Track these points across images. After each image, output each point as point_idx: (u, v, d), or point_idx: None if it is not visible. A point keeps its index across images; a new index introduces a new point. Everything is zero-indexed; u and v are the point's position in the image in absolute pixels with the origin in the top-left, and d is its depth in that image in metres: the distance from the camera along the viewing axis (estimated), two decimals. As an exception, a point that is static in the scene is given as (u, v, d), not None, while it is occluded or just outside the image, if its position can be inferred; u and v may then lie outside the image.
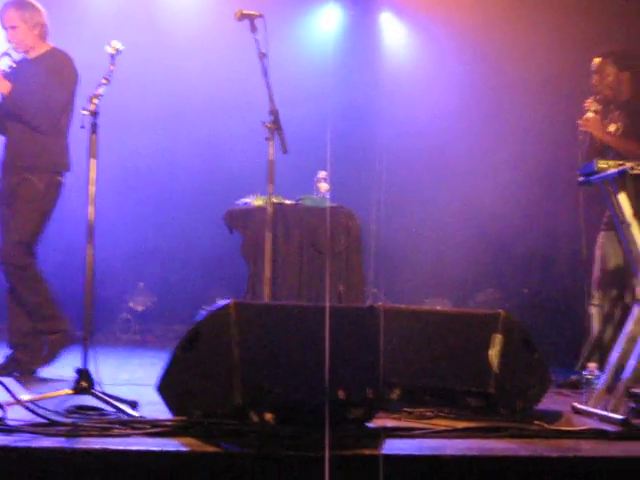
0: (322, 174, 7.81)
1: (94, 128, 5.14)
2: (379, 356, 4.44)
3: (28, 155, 6.25)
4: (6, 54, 6.33)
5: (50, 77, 6.20)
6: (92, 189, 5.15)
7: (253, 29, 5.90)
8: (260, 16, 5.90)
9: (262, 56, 5.81)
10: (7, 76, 6.24)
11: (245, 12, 5.94)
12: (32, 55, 6.38)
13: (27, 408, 4.44)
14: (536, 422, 4.71)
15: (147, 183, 10.18)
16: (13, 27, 6.29)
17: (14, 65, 6.36)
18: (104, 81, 5.28)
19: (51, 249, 9.68)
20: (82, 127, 5.12)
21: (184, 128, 10.25)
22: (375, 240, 10.43)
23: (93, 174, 5.15)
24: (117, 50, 5.39)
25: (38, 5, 6.44)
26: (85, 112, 5.13)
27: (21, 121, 6.22)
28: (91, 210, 5.14)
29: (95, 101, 5.16)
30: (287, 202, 7.65)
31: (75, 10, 9.95)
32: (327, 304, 4.25)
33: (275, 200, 6.54)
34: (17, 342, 6.42)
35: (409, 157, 10.53)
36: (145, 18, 10.00)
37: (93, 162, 5.15)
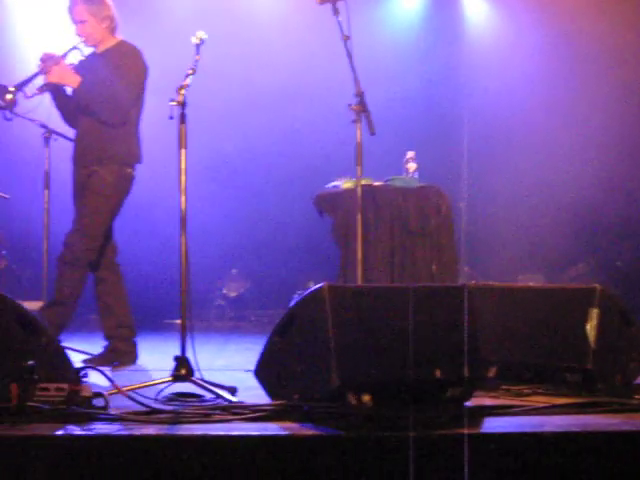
0: (410, 154, 7.78)
1: (183, 118, 5.19)
2: (475, 334, 4.42)
3: (97, 148, 6.27)
4: (75, 48, 6.37)
5: (118, 70, 6.21)
6: (183, 179, 5.21)
7: (335, 12, 5.86)
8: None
9: (346, 39, 5.78)
10: (76, 70, 6.27)
11: (327, -4, 5.91)
12: (101, 49, 6.40)
13: (128, 396, 4.52)
14: (636, 397, 4.65)
15: (236, 171, 10.25)
16: (82, 21, 6.29)
17: (83, 59, 6.41)
18: (190, 71, 5.32)
19: (145, 239, 9.91)
20: (171, 118, 5.16)
21: (269, 115, 10.28)
22: (465, 218, 10.38)
23: (184, 164, 5.21)
24: (201, 40, 5.43)
25: None
26: (173, 103, 5.17)
27: (90, 114, 6.23)
28: (183, 200, 5.20)
29: (182, 92, 5.21)
30: (376, 183, 7.63)
31: (155, 1, 10.05)
32: (420, 284, 4.24)
33: (364, 182, 6.52)
34: (112, 333, 6.48)
35: (495, 132, 10.45)
36: (224, 6, 10.04)
37: (183, 152, 5.20)
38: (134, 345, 6.55)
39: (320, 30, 6.66)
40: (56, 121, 6.89)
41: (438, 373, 4.26)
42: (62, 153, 7.09)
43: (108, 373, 4.70)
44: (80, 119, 6.34)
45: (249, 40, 10.07)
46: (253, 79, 10.17)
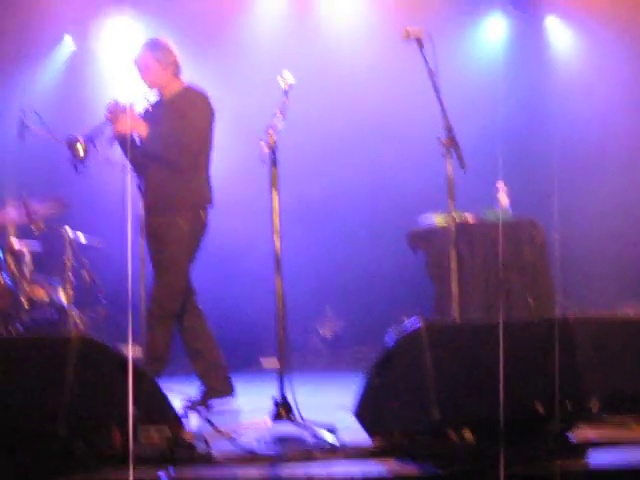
0: (501, 185, 7.72)
1: (274, 161, 5.23)
2: (575, 367, 4.36)
3: (170, 195, 6.21)
4: (141, 95, 6.40)
5: (186, 116, 6.19)
6: (276, 220, 5.25)
7: (420, 47, 5.85)
8: (427, 33, 5.86)
9: (432, 73, 5.77)
10: (144, 118, 6.28)
11: (411, 31, 5.90)
12: (166, 95, 6.42)
13: (229, 438, 4.54)
14: None
15: (328, 210, 10.26)
16: (148, 68, 6.33)
17: (150, 106, 6.42)
18: (280, 115, 5.37)
19: (240, 281, 9.98)
20: (262, 161, 5.21)
21: (358, 152, 10.28)
22: (560, 248, 10.25)
23: (276, 205, 5.25)
24: (289, 84, 5.48)
25: (170, 44, 6.46)
26: (263, 143, 5.22)
27: (159, 161, 6.21)
28: (277, 241, 5.24)
29: (272, 132, 5.26)
30: (469, 217, 7.59)
31: (242, 44, 10.17)
32: (517, 318, 4.19)
33: (457, 217, 6.49)
34: (206, 375, 6.49)
35: (585, 160, 10.30)
36: (308, 45, 10.12)
37: (275, 194, 5.24)
38: (229, 380, 6.55)
39: (406, 65, 6.65)
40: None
41: (539, 407, 4.20)
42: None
43: (208, 415, 4.73)
44: (149, 167, 6.31)
45: (335, 78, 10.10)
46: (340, 117, 10.19)
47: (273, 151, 5.23)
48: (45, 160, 8.51)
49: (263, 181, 5.40)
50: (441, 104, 5.69)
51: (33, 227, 7.79)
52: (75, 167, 6.02)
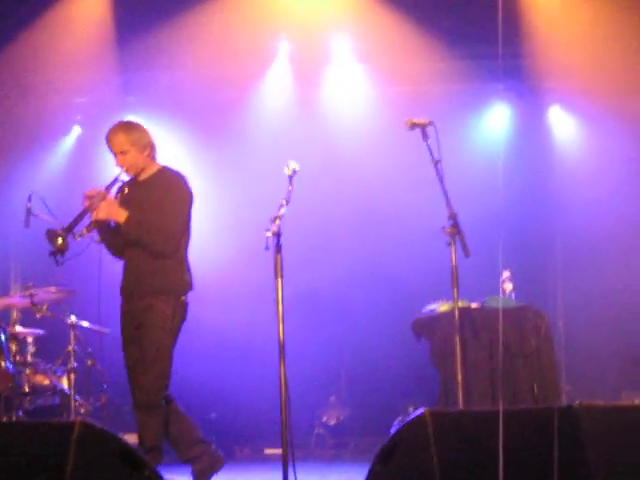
0: (506, 274, 7.73)
1: (278, 248, 5.24)
2: (584, 458, 4.29)
3: (151, 279, 6.05)
4: (117, 180, 6.20)
5: (163, 198, 6.05)
6: (280, 308, 5.24)
7: (425, 137, 5.91)
8: (431, 124, 5.92)
9: (436, 162, 5.81)
10: (120, 202, 6.13)
11: (415, 121, 5.96)
12: (143, 177, 6.25)
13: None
14: None
15: (331, 298, 10.26)
16: (123, 152, 6.11)
17: (125, 188, 6.24)
18: (284, 202, 5.41)
19: (243, 369, 9.94)
20: (266, 248, 5.21)
21: (362, 240, 10.32)
22: (564, 336, 10.22)
23: (280, 293, 5.25)
24: (294, 171, 5.53)
25: (144, 126, 6.33)
26: (269, 233, 5.24)
27: (141, 247, 6.04)
28: (281, 329, 5.22)
29: (277, 222, 5.28)
30: (473, 305, 7.58)
31: (247, 133, 10.26)
32: (524, 407, 4.15)
33: (461, 304, 6.48)
34: (190, 455, 6.30)
35: (588, 250, 10.32)
36: (313, 134, 10.20)
37: (279, 282, 5.25)
38: (215, 451, 6.37)
39: (411, 154, 6.72)
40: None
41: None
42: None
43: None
44: (129, 251, 6.15)
45: (339, 166, 10.17)
46: (344, 205, 10.26)
47: (278, 237, 5.25)
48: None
49: (268, 269, 5.40)
50: (445, 193, 5.73)
51: (37, 313, 7.78)
52: (56, 260, 5.88)
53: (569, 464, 4.22)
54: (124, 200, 6.15)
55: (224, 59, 9.73)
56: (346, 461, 9.21)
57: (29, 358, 8.10)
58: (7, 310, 8.64)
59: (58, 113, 9.98)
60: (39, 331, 8.27)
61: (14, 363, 7.45)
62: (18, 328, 8.06)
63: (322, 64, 10.46)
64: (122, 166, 6.14)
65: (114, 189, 6.23)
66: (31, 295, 7.70)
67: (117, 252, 6.26)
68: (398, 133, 6.82)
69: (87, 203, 5.99)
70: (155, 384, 6.00)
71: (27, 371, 7.93)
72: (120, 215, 5.99)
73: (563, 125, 10.96)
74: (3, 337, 7.24)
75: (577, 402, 4.62)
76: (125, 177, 6.25)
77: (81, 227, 6.00)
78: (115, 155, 6.16)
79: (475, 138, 10.56)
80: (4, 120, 9.66)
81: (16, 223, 8.29)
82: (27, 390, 7.87)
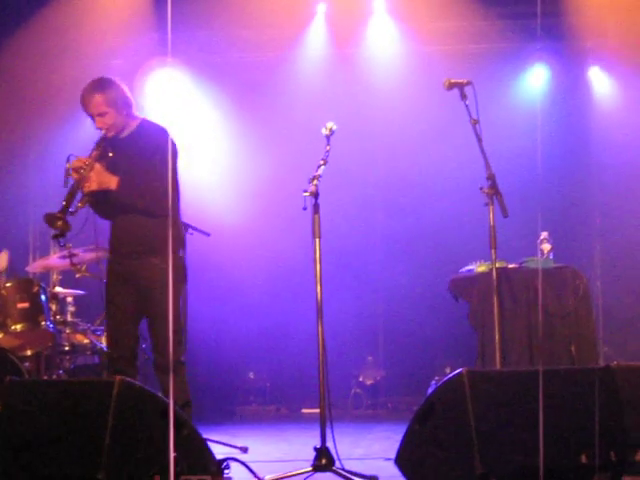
0: (544, 235, 7.68)
1: (316, 208, 5.24)
2: (621, 417, 4.29)
3: (149, 238, 5.81)
4: (99, 142, 5.85)
5: (152, 156, 5.77)
6: (318, 268, 5.24)
7: (463, 97, 5.86)
8: (469, 83, 5.87)
9: (474, 123, 5.76)
10: (107, 167, 5.81)
11: (453, 81, 5.91)
12: (125, 134, 5.96)
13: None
14: None
15: (369, 258, 10.27)
16: (101, 114, 5.82)
17: (109, 150, 5.86)
18: (322, 162, 5.40)
19: (281, 330, 9.99)
20: (304, 209, 5.20)
21: (401, 202, 10.31)
22: (602, 296, 10.17)
23: (318, 254, 5.25)
24: (332, 131, 5.51)
25: (117, 79, 6.00)
26: (306, 194, 5.23)
27: (135, 210, 5.83)
28: (319, 289, 5.23)
29: (315, 182, 5.27)
30: (511, 266, 7.55)
31: (284, 94, 10.24)
32: (562, 367, 4.14)
33: (499, 265, 6.46)
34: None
35: (626, 209, 10.24)
36: (351, 94, 10.16)
37: (317, 242, 5.25)
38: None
39: (449, 114, 6.69)
40: (190, 216, 6.99)
41: (584, 458, 4.14)
42: (197, 247, 7.21)
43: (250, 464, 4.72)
44: (121, 213, 5.91)
45: (377, 127, 10.14)
46: (383, 166, 10.25)
47: (315, 198, 5.24)
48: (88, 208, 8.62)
49: (306, 230, 5.40)
50: (483, 153, 5.68)
51: (76, 273, 7.84)
52: (58, 242, 5.79)
53: (607, 424, 4.22)
54: (110, 164, 5.84)
55: (262, 20, 9.70)
56: (382, 421, 9.25)
57: (69, 318, 8.17)
58: (47, 271, 8.70)
59: (94, 76, 10.00)
60: (79, 291, 8.34)
61: (54, 323, 7.52)
62: (58, 289, 8.13)
63: (359, 24, 10.39)
64: (102, 128, 5.86)
65: (98, 154, 5.86)
66: (70, 256, 7.74)
67: (108, 215, 6.01)
68: (436, 93, 6.78)
69: (76, 176, 5.72)
70: (175, 343, 5.84)
71: (67, 330, 8.01)
72: (111, 182, 5.75)
73: (602, 86, 10.84)
74: (43, 297, 7.31)
75: (615, 363, 4.62)
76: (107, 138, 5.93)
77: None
78: (92, 117, 5.89)
79: (513, 98, 10.46)
80: (45, 82, 9.69)
81: (55, 185, 8.36)
82: (67, 349, 7.95)
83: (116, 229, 5.97)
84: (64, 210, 5.66)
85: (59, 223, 5.63)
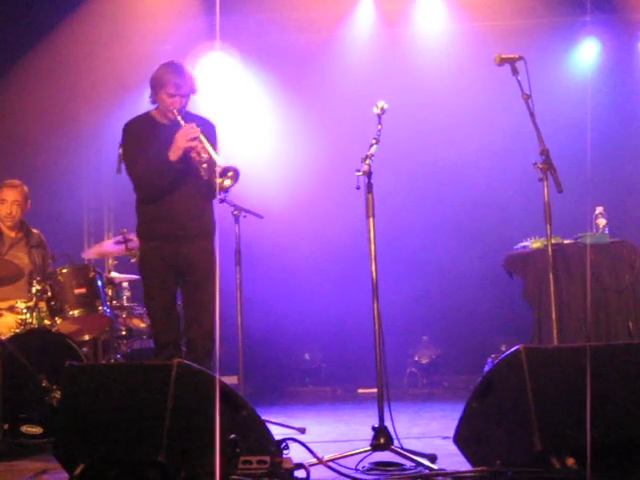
0: (599, 210, 7.63)
1: (370, 188, 5.23)
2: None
3: (206, 222, 5.93)
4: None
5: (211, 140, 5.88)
6: (373, 248, 5.23)
7: (514, 72, 5.80)
8: (521, 58, 5.81)
9: (527, 98, 5.70)
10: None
11: (504, 56, 5.85)
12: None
13: (330, 467, 4.53)
14: None
15: (424, 237, 10.23)
16: (187, 95, 5.97)
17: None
18: (374, 141, 5.38)
19: (337, 309, 10.00)
20: (357, 188, 5.19)
21: (455, 179, 10.27)
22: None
23: (372, 233, 5.24)
24: (383, 109, 5.48)
25: None
26: (359, 173, 5.22)
27: (207, 190, 5.89)
28: (374, 268, 5.22)
29: (368, 162, 5.25)
30: (566, 242, 7.51)
31: (334, 75, 10.23)
32: (619, 342, 4.10)
33: (554, 241, 6.41)
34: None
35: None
36: (403, 73, 10.13)
37: (371, 222, 5.24)
38: None
39: (501, 90, 6.63)
40: (243, 198, 7.03)
41: (642, 433, 4.11)
42: (251, 229, 7.24)
43: (308, 444, 4.73)
44: (180, 190, 5.90)
45: (430, 105, 10.10)
46: (435, 144, 10.20)
47: (369, 177, 5.23)
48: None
49: (360, 210, 5.39)
50: (537, 128, 5.63)
51: (131, 258, 7.91)
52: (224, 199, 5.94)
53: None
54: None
55: (309, 1, 9.70)
56: (439, 400, 9.25)
57: (125, 302, 8.25)
58: (102, 257, 8.79)
59: (145, 61, 10.04)
60: (134, 276, 8.40)
61: (111, 308, 7.60)
62: (113, 274, 8.21)
63: (407, 2, 10.36)
64: (173, 109, 5.89)
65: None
66: (125, 241, 7.81)
67: (166, 192, 5.91)
68: (486, 69, 6.73)
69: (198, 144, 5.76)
70: (215, 327, 5.85)
71: (123, 315, 8.09)
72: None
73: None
74: (99, 283, 7.38)
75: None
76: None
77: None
78: (186, 96, 5.96)
79: (564, 73, 10.38)
80: (96, 68, 9.77)
81: (108, 171, 8.42)
82: (124, 333, 8.04)
83: (166, 210, 5.92)
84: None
85: (231, 173, 5.66)
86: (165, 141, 5.81)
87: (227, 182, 5.67)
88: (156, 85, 5.97)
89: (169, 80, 5.90)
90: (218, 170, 5.65)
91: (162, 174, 5.81)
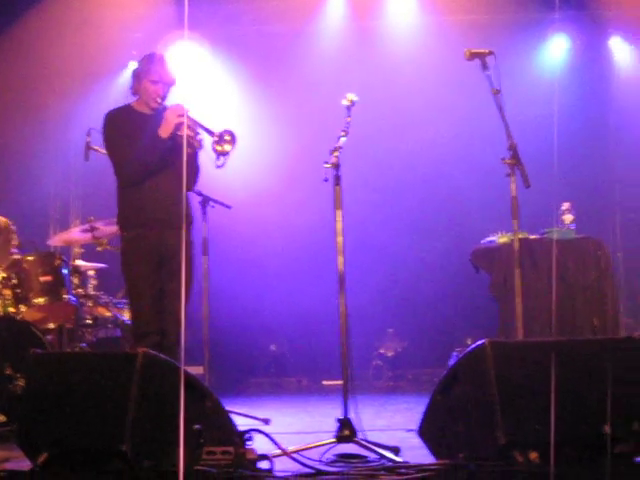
0: (566, 205, 7.67)
1: (338, 180, 5.22)
2: (643, 386, 4.29)
3: (182, 210, 5.64)
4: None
5: None
6: (340, 240, 5.23)
7: (484, 67, 5.81)
8: (490, 53, 5.82)
9: (496, 92, 5.71)
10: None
11: (474, 51, 5.84)
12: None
13: (293, 459, 4.53)
14: None
15: (391, 230, 10.25)
16: (172, 85, 6.00)
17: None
18: (343, 134, 5.38)
19: (303, 301, 10.00)
20: (325, 180, 5.19)
21: (422, 173, 10.29)
22: (623, 267, 10.15)
23: (340, 225, 5.24)
24: (352, 102, 5.48)
25: None
26: (327, 165, 5.21)
27: (195, 175, 6.02)
28: (340, 260, 5.22)
29: (336, 154, 5.25)
30: (533, 237, 7.55)
31: (304, 66, 10.22)
32: (584, 337, 4.13)
33: (521, 236, 6.44)
34: None
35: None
36: (372, 66, 10.14)
37: (339, 213, 5.23)
38: None
39: (470, 85, 6.66)
40: (211, 188, 7.00)
41: (606, 429, 4.13)
42: (218, 219, 7.23)
43: (272, 435, 4.73)
44: (162, 177, 5.82)
45: (398, 98, 10.11)
46: (404, 137, 10.21)
47: (337, 169, 5.23)
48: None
49: (328, 202, 5.39)
50: (505, 123, 5.64)
51: (98, 247, 7.87)
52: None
53: (629, 395, 4.21)
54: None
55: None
56: (403, 392, 9.28)
57: (91, 291, 8.22)
58: (68, 245, 8.74)
59: (114, 48, 9.98)
60: (100, 264, 8.37)
61: (76, 296, 7.56)
62: (79, 262, 8.16)
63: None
64: (156, 98, 5.91)
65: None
66: (92, 229, 7.77)
67: (155, 170, 5.85)
68: (456, 64, 6.75)
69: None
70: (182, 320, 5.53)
71: (89, 303, 8.05)
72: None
73: (622, 55, 10.77)
74: (65, 271, 7.34)
75: (637, 333, 4.61)
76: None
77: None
78: (168, 86, 5.96)
79: (534, 69, 10.43)
80: (65, 54, 9.69)
81: (75, 158, 8.37)
82: (89, 322, 7.99)
83: (148, 196, 5.86)
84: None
85: (228, 137, 5.71)
86: (151, 130, 5.79)
87: (227, 147, 5.69)
88: (140, 73, 5.97)
89: (152, 68, 5.91)
90: (214, 139, 5.70)
91: (153, 150, 5.77)
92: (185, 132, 5.61)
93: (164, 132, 5.75)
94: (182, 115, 5.72)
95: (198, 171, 5.97)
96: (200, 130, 5.78)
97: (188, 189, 6.04)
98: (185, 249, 5.80)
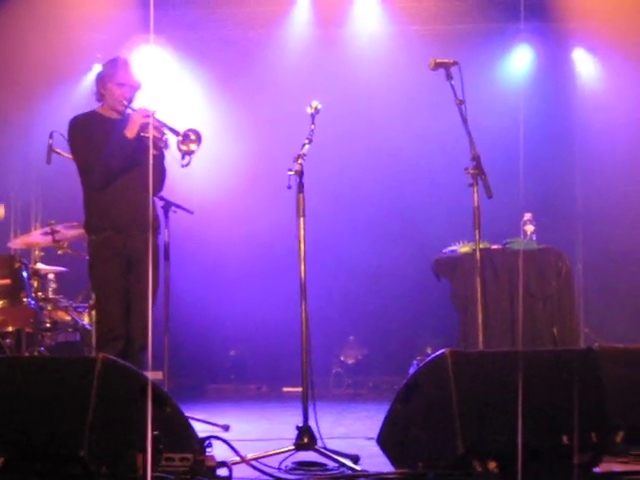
0: (527, 216, 7.72)
1: (301, 188, 5.23)
2: (602, 399, 4.32)
3: (148, 215, 5.73)
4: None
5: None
6: (302, 247, 5.24)
7: (448, 77, 5.84)
8: (455, 64, 5.85)
9: (460, 103, 5.75)
10: None
11: (439, 61, 5.88)
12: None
13: (252, 466, 4.52)
14: None
15: (352, 238, 10.26)
16: (138, 90, 6.07)
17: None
18: (307, 141, 5.38)
19: (264, 308, 9.97)
20: (289, 187, 5.19)
21: (385, 182, 10.31)
22: (583, 278, 10.21)
23: (302, 232, 5.24)
24: (317, 109, 5.49)
25: None
26: (291, 172, 5.21)
27: (161, 181, 6.06)
28: (302, 268, 5.22)
29: (300, 161, 5.25)
30: (494, 247, 7.58)
31: (269, 73, 10.21)
32: (544, 348, 4.16)
33: (482, 246, 6.47)
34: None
35: (609, 190, 10.27)
36: (336, 74, 10.14)
37: (302, 221, 5.24)
38: None
39: (434, 95, 6.68)
40: (174, 193, 6.97)
41: (565, 439, 4.16)
42: (180, 225, 7.21)
43: (231, 442, 4.71)
44: (139, 183, 5.80)
45: (363, 108, 10.12)
46: (368, 146, 10.22)
47: (300, 177, 5.23)
48: (71, 184, 8.60)
49: (290, 209, 5.39)
50: (468, 134, 5.67)
51: (58, 250, 7.82)
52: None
53: (588, 406, 4.24)
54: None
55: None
56: (364, 400, 9.27)
57: (50, 295, 8.15)
58: (28, 248, 8.67)
59: (78, 50, 9.92)
60: (61, 268, 8.31)
61: (36, 299, 7.50)
62: (39, 265, 8.10)
63: (344, 3, 10.37)
64: (123, 101, 5.94)
65: None
66: (53, 232, 7.72)
67: (121, 172, 5.85)
68: (420, 73, 6.76)
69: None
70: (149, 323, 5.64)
71: (48, 307, 7.99)
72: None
73: (586, 68, 10.85)
74: (25, 274, 7.29)
75: (596, 345, 4.64)
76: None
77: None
78: (134, 89, 6.00)
79: (498, 79, 10.47)
80: (26, 56, 9.61)
81: (37, 160, 8.31)
82: (48, 326, 7.93)
83: (115, 200, 5.86)
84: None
85: (193, 136, 5.77)
86: (117, 134, 5.80)
87: (192, 146, 5.73)
88: (104, 77, 5.99)
89: (117, 71, 5.93)
90: (179, 138, 5.72)
91: (119, 151, 5.76)
92: (151, 133, 5.60)
93: (130, 132, 5.75)
94: (148, 116, 5.72)
95: (164, 174, 6.01)
96: (165, 130, 5.79)
97: (155, 192, 6.06)
98: (152, 252, 5.85)
